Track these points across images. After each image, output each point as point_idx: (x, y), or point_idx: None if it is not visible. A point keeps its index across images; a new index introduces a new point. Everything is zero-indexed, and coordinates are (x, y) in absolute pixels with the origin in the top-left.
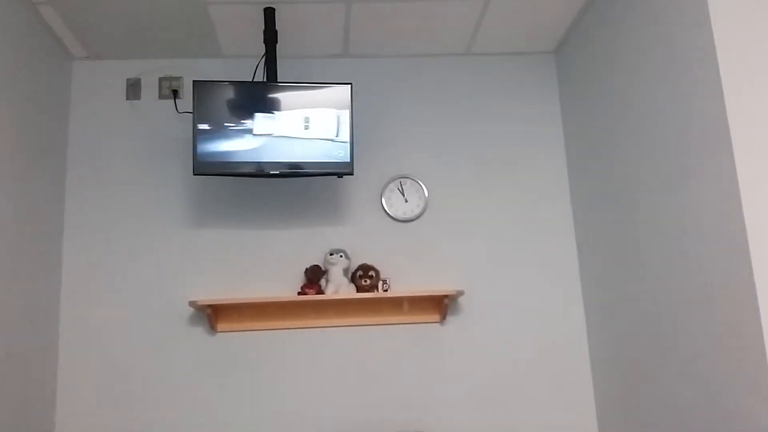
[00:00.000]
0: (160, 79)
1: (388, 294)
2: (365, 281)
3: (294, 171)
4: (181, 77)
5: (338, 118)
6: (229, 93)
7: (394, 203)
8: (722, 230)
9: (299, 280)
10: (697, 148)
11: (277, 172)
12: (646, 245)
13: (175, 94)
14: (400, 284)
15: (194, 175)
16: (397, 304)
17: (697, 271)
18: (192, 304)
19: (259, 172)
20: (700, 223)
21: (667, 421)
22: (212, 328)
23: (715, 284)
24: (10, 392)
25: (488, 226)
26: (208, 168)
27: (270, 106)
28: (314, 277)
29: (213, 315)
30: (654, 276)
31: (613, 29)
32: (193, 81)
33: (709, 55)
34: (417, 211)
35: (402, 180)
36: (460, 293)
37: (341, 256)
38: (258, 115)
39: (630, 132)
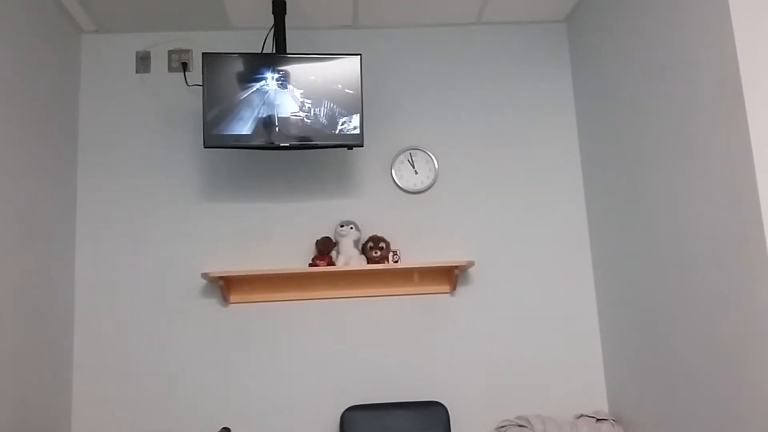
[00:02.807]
0: (170, 52)
1: (399, 265)
2: (376, 253)
3: (304, 143)
4: (190, 50)
5: (348, 89)
6: (239, 65)
7: (404, 175)
8: (734, 196)
9: (310, 251)
10: (712, 116)
11: (287, 145)
12: (657, 215)
13: (185, 66)
14: (411, 255)
15: (205, 147)
16: (407, 275)
17: (709, 238)
18: (204, 275)
19: (270, 144)
20: (713, 191)
21: (676, 384)
22: (225, 300)
23: (727, 252)
24: (28, 363)
25: (498, 197)
26: (219, 141)
27: (279, 78)
28: (325, 248)
29: (225, 286)
30: (665, 245)
31: None
32: (203, 53)
33: (723, 22)
34: (427, 183)
35: (412, 151)
36: (471, 264)
37: (352, 228)
38: (267, 87)
39: (642, 101)
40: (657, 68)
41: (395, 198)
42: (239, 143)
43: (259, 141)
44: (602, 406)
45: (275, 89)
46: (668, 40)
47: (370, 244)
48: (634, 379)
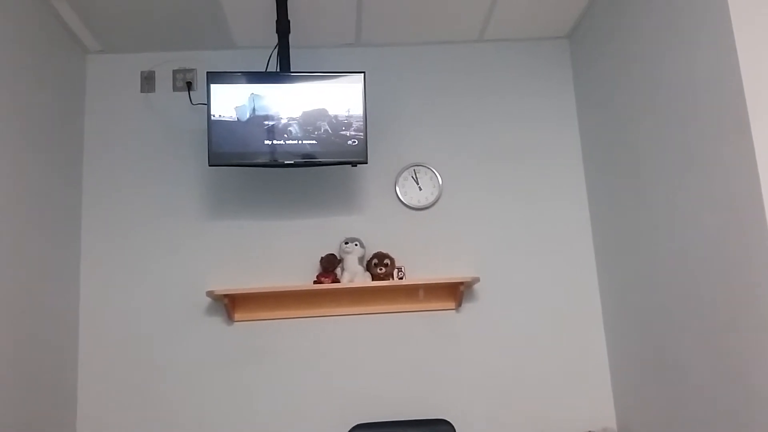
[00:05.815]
0: (174, 72)
1: (404, 282)
2: (380, 269)
3: (308, 161)
4: (194, 69)
5: (352, 106)
6: (243, 84)
7: (408, 191)
8: (740, 210)
9: (315, 269)
10: (715, 127)
11: (292, 162)
12: (662, 230)
13: (189, 86)
14: (416, 272)
15: (209, 166)
16: (412, 292)
17: (715, 252)
18: (209, 293)
19: (274, 162)
20: (718, 204)
21: (684, 400)
22: (229, 318)
23: (732, 265)
24: (32, 384)
25: (503, 213)
26: (223, 159)
27: (283, 96)
28: (330, 265)
29: (230, 304)
30: (670, 259)
31: (626, 12)
32: (207, 72)
33: (726, 37)
34: (431, 199)
35: (416, 168)
36: (476, 280)
37: (356, 245)
38: (271, 106)
39: (645, 115)
40: (659, 82)
41: (400, 214)
42: (244, 161)
43: (264, 159)
44: (610, 423)
45: (279, 107)
46: (670, 54)
47: (375, 260)
48: (642, 395)
